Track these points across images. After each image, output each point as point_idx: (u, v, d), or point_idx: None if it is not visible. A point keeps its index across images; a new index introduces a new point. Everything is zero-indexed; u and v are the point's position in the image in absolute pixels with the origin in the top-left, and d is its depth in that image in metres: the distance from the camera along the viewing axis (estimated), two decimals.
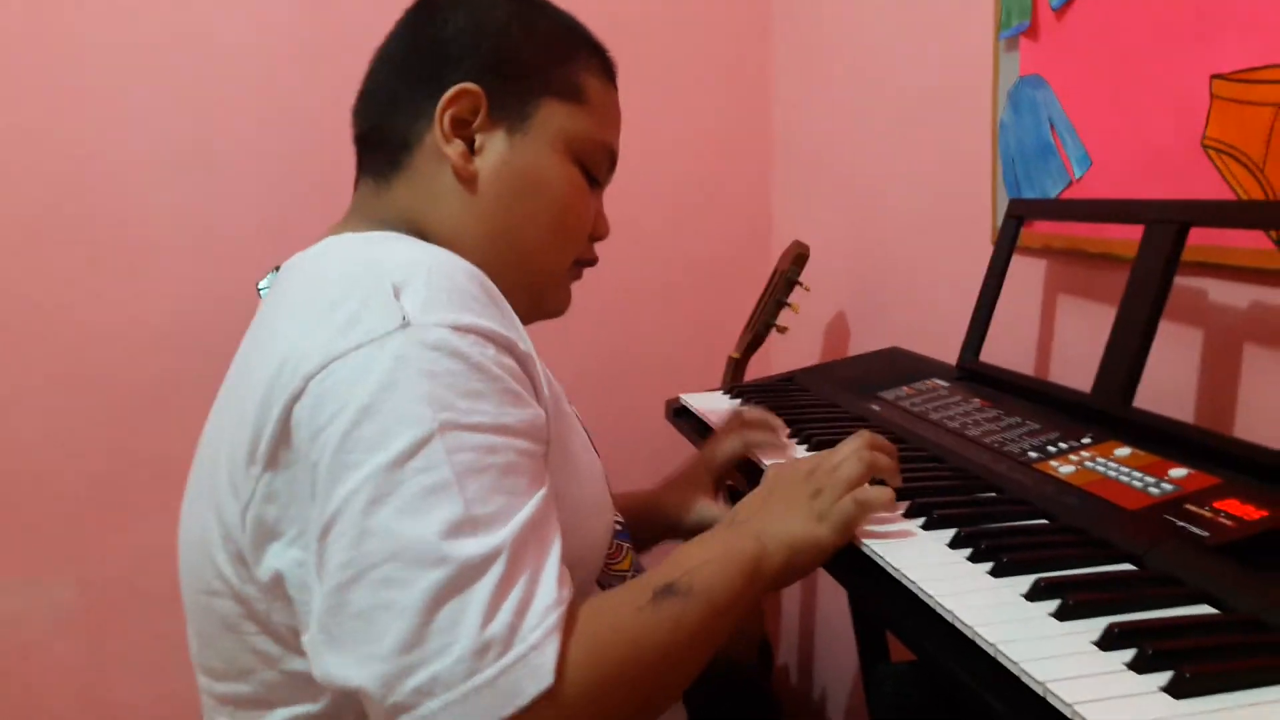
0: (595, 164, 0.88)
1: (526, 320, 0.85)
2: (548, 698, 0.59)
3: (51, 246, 1.70)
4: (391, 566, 0.60)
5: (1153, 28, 1.05)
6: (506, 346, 0.69)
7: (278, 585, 0.68)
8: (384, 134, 0.85)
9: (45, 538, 1.75)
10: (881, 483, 0.82)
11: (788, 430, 1.09)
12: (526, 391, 0.70)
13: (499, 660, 0.59)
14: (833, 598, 1.92)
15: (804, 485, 0.82)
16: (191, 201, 1.75)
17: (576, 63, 0.86)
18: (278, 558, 0.67)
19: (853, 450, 0.82)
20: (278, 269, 0.83)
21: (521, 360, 0.71)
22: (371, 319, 0.65)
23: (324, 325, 0.66)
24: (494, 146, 0.82)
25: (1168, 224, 0.92)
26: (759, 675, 1.64)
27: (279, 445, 0.65)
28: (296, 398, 0.64)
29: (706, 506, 1.08)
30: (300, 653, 0.67)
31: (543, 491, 0.67)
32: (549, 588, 0.63)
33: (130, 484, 1.77)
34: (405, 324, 0.65)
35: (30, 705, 1.77)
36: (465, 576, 0.60)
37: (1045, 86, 1.22)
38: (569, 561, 0.69)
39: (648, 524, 1.08)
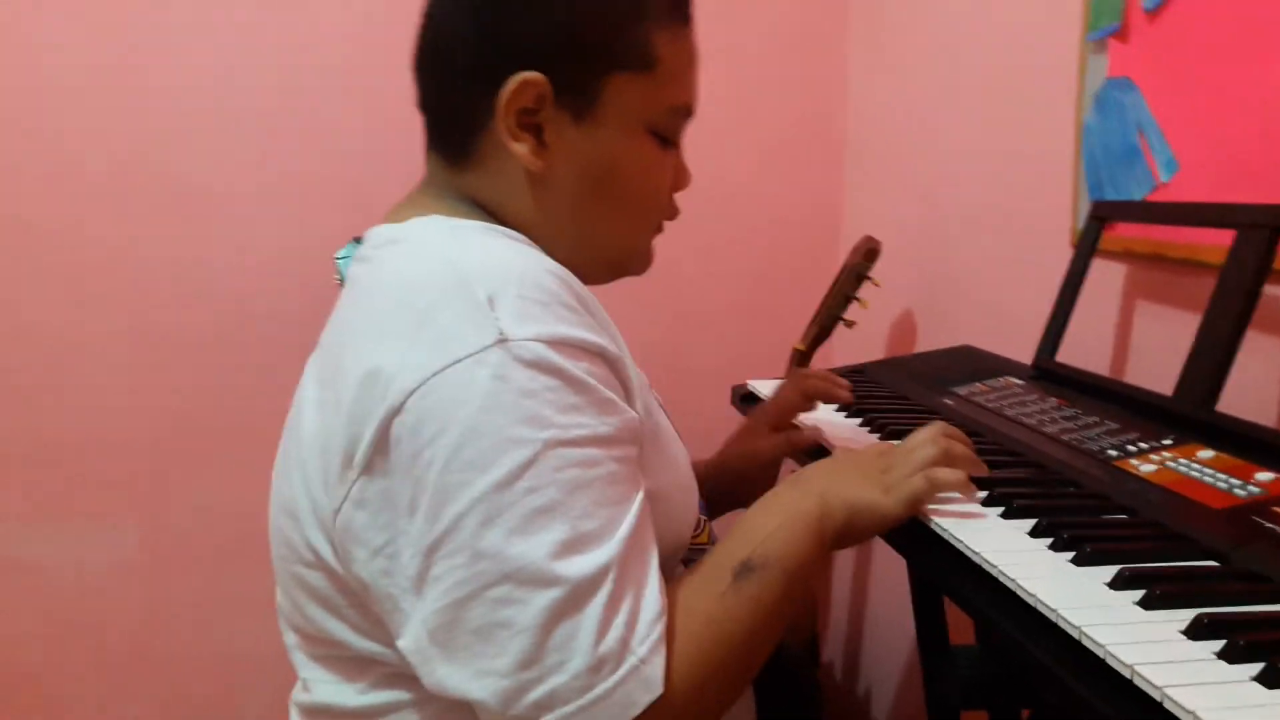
0: (671, 128, 0.83)
1: (609, 281, 0.86)
2: (659, 705, 0.63)
3: (129, 199, 1.72)
4: (507, 587, 0.62)
5: (1247, 31, 1.04)
6: (599, 354, 0.70)
7: (364, 588, 0.69)
8: (446, 111, 0.82)
9: (111, 485, 1.78)
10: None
11: (849, 386, 1.10)
12: (619, 396, 0.71)
13: (613, 675, 0.62)
14: (880, 595, 1.92)
15: (876, 461, 0.83)
16: (268, 156, 1.77)
17: (646, 22, 0.78)
18: (363, 567, 0.68)
19: (930, 436, 0.83)
20: (357, 240, 0.82)
21: (612, 364, 0.72)
22: (467, 333, 0.65)
23: (419, 338, 0.66)
24: (563, 137, 0.78)
25: (1261, 229, 0.92)
26: (807, 667, 1.65)
27: (376, 455, 0.66)
28: (395, 413, 0.65)
29: (766, 439, 1.12)
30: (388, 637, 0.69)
31: (640, 495, 0.69)
32: (653, 599, 0.66)
33: (198, 436, 1.81)
34: (502, 339, 0.65)
35: (89, 651, 1.81)
36: (578, 595, 0.63)
37: (1134, 89, 1.22)
38: (662, 548, 0.71)
39: (717, 489, 1.10)
